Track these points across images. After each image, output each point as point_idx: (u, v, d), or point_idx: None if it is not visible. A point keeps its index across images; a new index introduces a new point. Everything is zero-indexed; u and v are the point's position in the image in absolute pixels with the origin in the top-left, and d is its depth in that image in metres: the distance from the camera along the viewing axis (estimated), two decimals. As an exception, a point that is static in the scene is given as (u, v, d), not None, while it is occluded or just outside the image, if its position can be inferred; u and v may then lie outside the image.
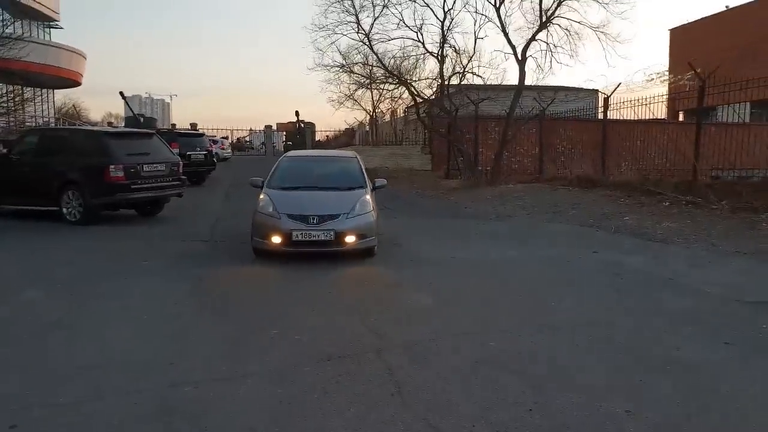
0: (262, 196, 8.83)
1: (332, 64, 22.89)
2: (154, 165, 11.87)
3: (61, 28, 41.03)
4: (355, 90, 25.82)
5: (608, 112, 17.38)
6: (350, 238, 8.29)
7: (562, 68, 39.10)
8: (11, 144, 12.64)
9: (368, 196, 9.04)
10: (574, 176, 17.26)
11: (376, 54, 21.82)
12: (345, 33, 21.96)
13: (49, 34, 40.18)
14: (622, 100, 16.86)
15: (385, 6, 20.91)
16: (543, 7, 19.63)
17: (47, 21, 38.59)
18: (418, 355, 4.58)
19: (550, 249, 9.60)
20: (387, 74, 22.71)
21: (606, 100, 17.23)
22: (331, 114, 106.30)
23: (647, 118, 16.92)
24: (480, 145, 22.05)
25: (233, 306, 6.04)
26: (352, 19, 21.31)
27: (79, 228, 11.07)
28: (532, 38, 19.89)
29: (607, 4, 18.92)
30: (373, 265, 8.12)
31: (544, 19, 19.64)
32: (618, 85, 16.65)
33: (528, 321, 5.61)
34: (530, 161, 21.89)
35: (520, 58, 19.92)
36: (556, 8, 19.55)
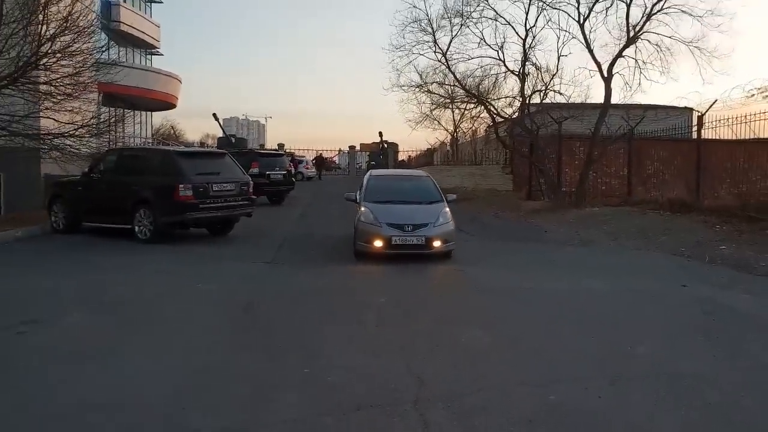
0: (362, 209, 10.52)
1: (408, 84, 22.62)
2: (224, 184, 11.89)
3: (161, 54, 43.44)
4: (433, 109, 25.37)
5: (703, 130, 15.96)
6: (437, 243, 10.06)
7: (651, 85, 36.81)
8: (93, 163, 13.10)
9: (447, 209, 10.77)
10: (666, 199, 15.93)
11: (453, 73, 21.36)
12: (422, 52, 21.62)
13: (150, 60, 42.57)
14: (718, 118, 15.40)
15: (462, 25, 20.43)
16: (630, 22, 18.50)
17: (148, 48, 40.90)
18: (461, 411, 3.95)
19: (634, 280, 8.68)
20: (465, 93, 22.11)
21: (700, 118, 15.84)
22: (409, 134, 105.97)
23: (748, 137, 15.33)
24: (564, 166, 20.96)
25: (272, 336, 5.64)
26: (429, 38, 20.98)
27: (147, 247, 11.18)
28: (619, 54, 18.76)
29: (701, 17, 17.57)
30: (434, 294, 7.56)
31: (631, 34, 18.49)
32: (714, 102, 15.24)
33: (599, 369, 4.86)
34: (618, 183, 20.54)
35: (605, 75, 18.82)
36: (644, 23, 18.37)
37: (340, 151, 53.54)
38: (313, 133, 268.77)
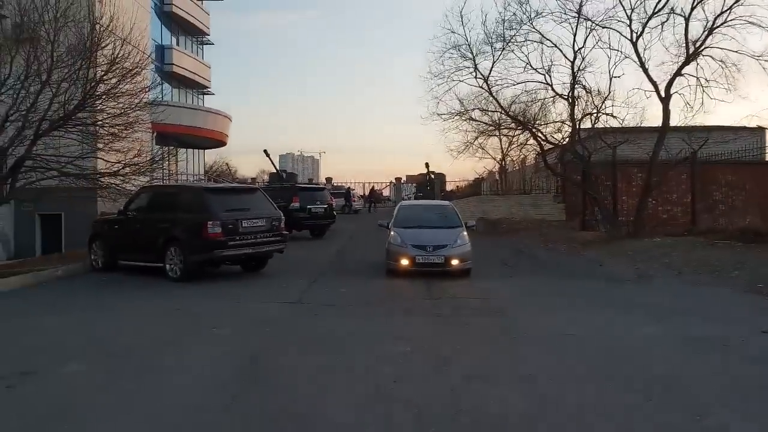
0: (392, 233, 12.34)
1: (447, 111, 21.68)
2: (254, 220, 11.48)
3: (213, 93, 44.41)
4: (476, 137, 24.41)
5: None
6: (455, 261, 11.71)
7: (716, 105, 34.70)
8: (128, 201, 12.99)
9: (465, 233, 12.44)
10: (737, 229, 14.58)
11: (495, 99, 20.47)
12: (462, 79, 20.77)
13: (202, 99, 43.59)
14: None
15: (504, 49, 19.65)
16: (690, 37, 17.29)
17: (200, 88, 41.90)
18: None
19: (702, 325, 7.57)
20: (510, 119, 21.19)
21: (774, 137, 14.51)
22: (450, 163, 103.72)
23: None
24: (620, 193, 19.73)
25: (272, 396, 4.95)
26: (469, 64, 20.24)
27: (175, 286, 10.79)
28: (678, 73, 17.53)
29: (769, 28, 16.17)
30: (465, 343, 6.70)
31: (691, 50, 17.24)
32: (790, 120, 13.91)
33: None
34: (681, 211, 19.16)
35: (663, 96, 17.61)
36: (705, 38, 17.11)
37: (391, 183, 53.36)
38: (364, 166, 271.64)
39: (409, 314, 8.24)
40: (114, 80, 17.18)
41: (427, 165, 42.14)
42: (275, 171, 40.66)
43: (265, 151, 31.04)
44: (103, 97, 17.02)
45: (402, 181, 51.12)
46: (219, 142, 39.73)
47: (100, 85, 16.85)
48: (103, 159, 17.74)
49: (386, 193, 55.13)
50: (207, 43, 42.72)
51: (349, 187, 44.33)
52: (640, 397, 4.90)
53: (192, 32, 39.57)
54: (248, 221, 11.34)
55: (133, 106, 17.85)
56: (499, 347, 6.49)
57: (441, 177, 44.08)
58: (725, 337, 6.84)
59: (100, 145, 18.39)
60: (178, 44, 37.46)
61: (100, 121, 16.67)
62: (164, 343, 6.73)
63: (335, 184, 50.34)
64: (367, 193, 44.82)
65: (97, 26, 16.41)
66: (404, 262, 11.65)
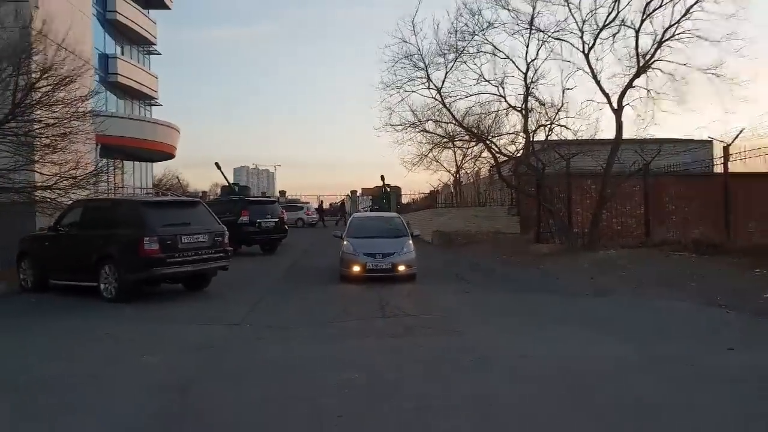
0: (345, 243, 13.45)
1: (400, 122, 20.92)
2: (195, 236, 10.72)
3: (160, 105, 43.13)
4: (430, 150, 24.01)
5: (730, 163, 14.61)
6: (401, 267, 12.91)
7: (667, 117, 35.18)
8: (59, 217, 12.01)
9: (410, 241, 13.73)
10: (691, 240, 14.49)
11: (449, 110, 19.99)
12: (414, 89, 20.12)
13: (150, 111, 42.25)
14: (747, 149, 14.07)
15: (456, 60, 19.32)
16: (640, 50, 17.33)
17: (147, 99, 40.58)
18: None
19: (664, 343, 7.23)
20: (464, 131, 20.86)
21: (726, 149, 14.52)
22: (405, 176, 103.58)
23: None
24: (574, 205, 19.63)
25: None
26: (422, 74, 19.83)
27: (109, 307, 9.94)
28: (629, 85, 17.55)
29: (718, 42, 16.26)
30: (417, 368, 6.16)
31: (642, 63, 17.30)
32: (741, 131, 13.97)
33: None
34: (635, 222, 19.14)
35: (615, 108, 17.59)
36: (655, 51, 17.16)
37: (347, 196, 52.76)
38: (320, 180, 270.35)
39: (360, 336, 7.67)
40: (48, 88, 16.19)
41: (382, 177, 41.75)
42: (227, 184, 39.67)
43: (216, 163, 30.29)
44: (36, 105, 16.02)
45: (357, 194, 50.58)
46: (167, 154, 38.43)
47: (33, 93, 15.85)
48: (37, 171, 16.66)
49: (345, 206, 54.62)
50: (154, 53, 41.53)
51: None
52: (607, 429, 4.44)
53: (138, 41, 38.35)
54: (189, 236, 10.58)
55: (69, 115, 16.87)
56: (453, 372, 5.97)
57: (397, 190, 43.69)
58: (690, 356, 6.50)
59: (35, 157, 17.32)
60: (123, 53, 36.20)
61: (34, 131, 15.64)
62: (85, 375, 5.94)
63: (289, 198, 49.52)
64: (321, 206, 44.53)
65: (29, 31, 15.45)
66: (356, 268, 12.83)
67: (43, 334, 8.23)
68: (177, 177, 58.12)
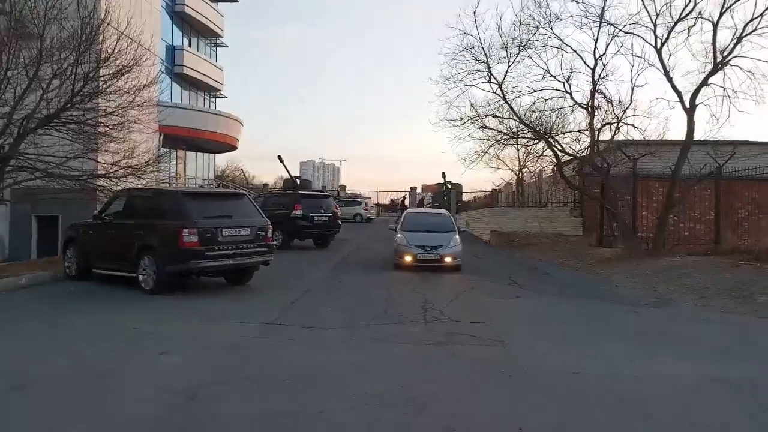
0: (399, 235, 15.12)
1: (458, 117, 20.34)
2: (236, 229, 10.55)
3: (225, 97, 43.87)
4: (489, 147, 23.24)
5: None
6: (447, 259, 14.37)
7: (743, 117, 33.26)
8: (104, 205, 12.09)
9: (458, 236, 15.15)
10: (764, 249, 13.45)
11: (509, 104, 19.27)
12: (474, 83, 19.68)
13: (215, 102, 43.07)
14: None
15: (519, 53, 18.57)
16: (717, 45, 16.20)
17: (212, 91, 41.35)
18: None
19: (728, 362, 6.56)
20: (524, 128, 20.06)
21: (808, 152, 13.33)
22: (462, 173, 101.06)
23: None
24: (640, 209, 18.61)
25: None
26: (483, 67, 19.17)
27: (146, 299, 9.89)
28: (704, 83, 16.45)
29: (805, 37, 15.02)
30: (450, 379, 5.73)
31: (719, 59, 16.17)
32: (826, 133, 12.73)
33: None
34: (704, 228, 17.99)
35: (688, 107, 16.53)
36: (734, 46, 16.04)
37: (407, 192, 52.47)
38: (384, 176, 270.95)
39: (396, 341, 7.26)
40: (107, 76, 16.49)
41: (443, 175, 41.22)
42: (289, 177, 39.98)
43: (279, 156, 30.47)
44: (95, 94, 16.33)
45: (417, 191, 50.11)
46: (229, 146, 39.05)
47: (93, 81, 16.16)
48: (94, 160, 17.05)
49: (406, 202, 54.40)
50: (221, 46, 42.21)
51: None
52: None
53: (205, 34, 39.06)
54: (230, 229, 10.42)
55: (127, 104, 17.17)
56: (491, 390, 5.51)
57: (458, 187, 43.08)
58: (759, 377, 5.83)
59: (94, 146, 17.72)
60: (190, 45, 36.94)
61: (90, 119, 15.96)
62: (96, 373, 5.74)
63: (348, 192, 49.61)
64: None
65: (93, 19, 15.73)
66: (408, 258, 14.45)
67: (66, 325, 8.12)
68: (241, 169, 59.38)
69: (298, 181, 27.16)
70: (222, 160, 52.91)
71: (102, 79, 16.44)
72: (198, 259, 10.00)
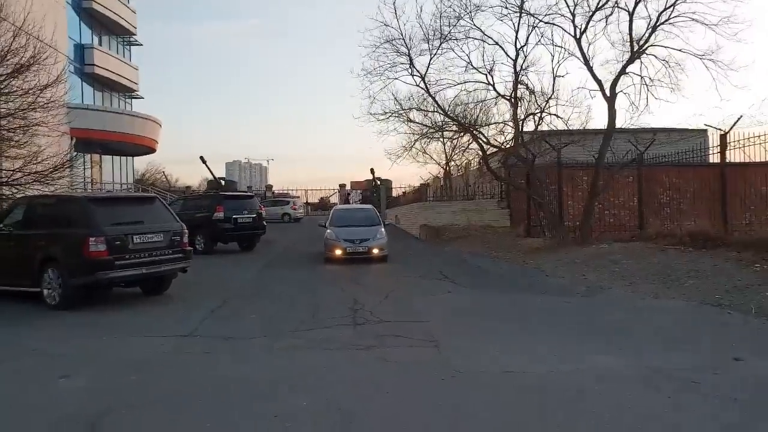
0: (328, 231, 16.14)
1: (382, 111, 19.79)
2: (149, 235, 9.74)
3: (141, 97, 41.92)
4: (415, 141, 23.01)
5: (728, 151, 13.78)
6: (375, 251, 15.47)
7: (661, 105, 34.44)
8: (2, 214, 10.92)
9: (383, 229, 16.44)
10: (686, 232, 13.71)
11: (433, 97, 19.00)
12: (397, 76, 19.23)
13: (130, 104, 41.08)
14: (746, 136, 13.20)
15: (440, 45, 18.32)
16: (634, 35, 16.48)
17: (126, 91, 39.39)
18: None
19: (663, 351, 6.42)
20: (449, 121, 19.90)
21: (723, 137, 13.73)
22: (389, 168, 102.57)
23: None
24: (565, 198, 18.80)
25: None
26: (405, 60, 18.86)
27: (50, 316, 8.97)
28: (622, 71, 16.71)
29: (715, 26, 15.43)
30: (380, 386, 5.30)
31: (635, 48, 16.46)
32: (739, 119, 13.13)
33: None
34: (628, 215, 18.34)
35: (608, 95, 16.75)
36: (650, 35, 16.33)
37: (336, 190, 51.97)
38: (314, 174, 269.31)
39: (323, 348, 6.77)
40: (1, 76, 15.17)
41: (372, 171, 40.93)
42: (213, 179, 38.60)
43: (201, 157, 29.34)
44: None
45: (347, 188, 49.68)
46: (148, 148, 37.27)
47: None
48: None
49: (333, 199, 53.76)
50: (134, 44, 40.31)
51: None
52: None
53: (117, 31, 37.15)
54: (141, 236, 9.60)
55: (27, 105, 15.86)
56: (422, 397, 5.11)
57: (387, 183, 42.96)
58: (695, 367, 5.69)
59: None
60: (101, 44, 35.02)
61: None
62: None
63: (276, 192, 48.55)
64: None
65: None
66: (338, 252, 15.45)
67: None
68: (162, 172, 57.03)
69: (222, 182, 26.24)
70: (141, 163, 50.70)
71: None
72: (106, 269, 9.14)
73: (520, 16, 17.87)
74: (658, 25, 16.16)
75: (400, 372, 5.77)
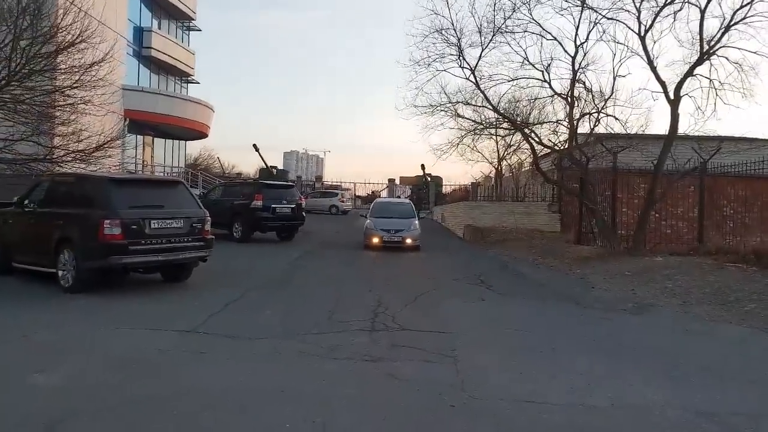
0: (368, 221, 18.15)
1: (427, 104, 18.91)
2: (168, 221, 9.36)
3: (197, 82, 42.37)
4: (462, 137, 21.99)
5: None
6: (408, 241, 17.48)
7: (730, 110, 32.17)
8: (26, 191, 10.79)
9: (417, 221, 18.53)
10: (751, 250, 12.54)
11: (482, 92, 18.11)
12: (445, 68, 18.40)
13: (186, 88, 41.57)
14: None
15: (493, 37, 17.39)
16: (705, 34, 15.24)
17: (183, 76, 39.82)
18: None
19: (718, 388, 5.52)
20: (500, 117, 18.94)
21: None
22: (433, 164, 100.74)
23: None
24: (620, 205, 17.68)
25: None
26: (454, 51, 18.01)
27: (60, 299, 8.73)
28: (689, 73, 15.49)
29: (796, 27, 14.12)
30: (379, 408, 4.67)
31: (705, 49, 15.22)
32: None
33: None
34: (686, 227, 17.11)
35: (672, 98, 15.57)
36: (722, 35, 15.09)
37: (386, 185, 51.47)
38: (365, 168, 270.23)
39: (329, 356, 6.17)
40: (50, 52, 15.20)
41: (423, 167, 40.24)
42: (265, 167, 38.73)
43: (254, 145, 29.53)
44: (38, 72, 15.06)
45: (396, 183, 49.06)
46: (199, 132, 37.58)
47: (35, 58, 14.88)
48: (36, 143, 15.77)
49: (384, 194, 53.38)
50: (194, 29, 40.68)
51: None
52: None
53: (176, 16, 37.52)
54: (159, 221, 9.22)
55: (74, 83, 15.88)
56: (425, 426, 4.44)
57: (437, 180, 42.20)
58: (755, 408, 4.84)
59: (44, 128, 16.39)
60: (159, 28, 35.41)
61: (29, 99, 14.69)
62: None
63: (325, 183, 48.44)
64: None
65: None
66: (375, 240, 17.37)
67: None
68: (217, 157, 57.76)
69: (274, 171, 26.26)
70: (194, 148, 51.47)
71: (44, 54, 15.17)
72: (120, 254, 8.80)
73: (582, 11, 16.87)
74: (732, 25, 14.92)
75: (405, 392, 5.12)
